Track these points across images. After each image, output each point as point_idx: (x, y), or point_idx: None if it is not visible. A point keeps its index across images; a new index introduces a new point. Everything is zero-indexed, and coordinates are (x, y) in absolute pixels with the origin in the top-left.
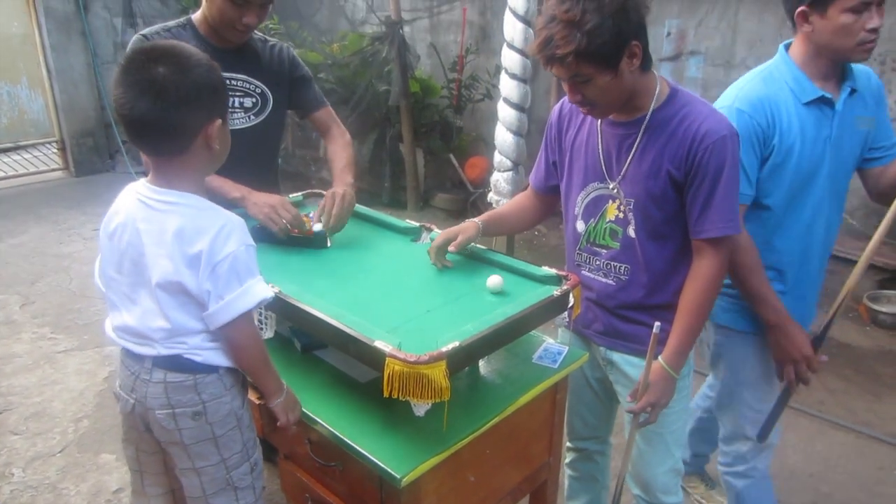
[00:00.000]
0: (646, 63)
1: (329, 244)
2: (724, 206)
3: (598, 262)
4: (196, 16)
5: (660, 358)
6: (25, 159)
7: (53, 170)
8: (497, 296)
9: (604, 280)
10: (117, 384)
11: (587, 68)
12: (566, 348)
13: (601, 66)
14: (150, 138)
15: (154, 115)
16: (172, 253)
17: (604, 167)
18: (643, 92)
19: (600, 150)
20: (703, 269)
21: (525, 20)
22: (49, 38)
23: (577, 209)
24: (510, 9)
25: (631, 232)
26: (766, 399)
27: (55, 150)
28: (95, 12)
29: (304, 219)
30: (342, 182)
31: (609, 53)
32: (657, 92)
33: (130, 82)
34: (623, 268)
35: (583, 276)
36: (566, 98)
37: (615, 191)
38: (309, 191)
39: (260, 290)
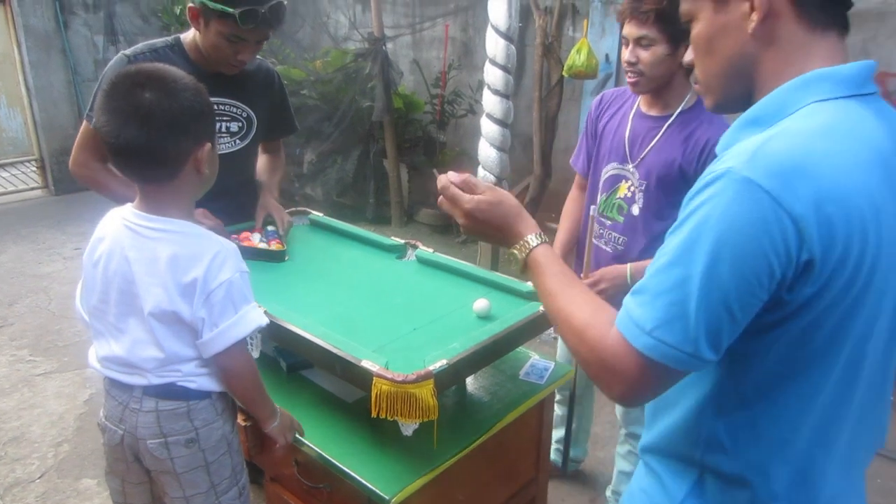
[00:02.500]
0: (690, 69)
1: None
2: None
3: (601, 231)
4: (186, 38)
5: (630, 265)
6: (3, 178)
7: (32, 188)
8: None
9: (604, 248)
10: (102, 415)
11: (655, 32)
12: (553, 364)
13: (667, 35)
14: (139, 165)
15: (142, 143)
16: (166, 282)
17: (627, 150)
18: (678, 91)
19: (626, 136)
20: None
21: (507, 37)
22: (28, 55)
23: (599, 184)
24: (492, 26)
25: (635, 210)
26: None
27: (34, 169)
28: (76, 30)
29: (276, 243)
30: (274, 195)
31: (676, 30)
32: (688, 97)
33: (116, 108)
34: (621, 239)
35: (594, 244)
36: (606, 92)
37: (632, 173)
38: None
39: (255, 316)
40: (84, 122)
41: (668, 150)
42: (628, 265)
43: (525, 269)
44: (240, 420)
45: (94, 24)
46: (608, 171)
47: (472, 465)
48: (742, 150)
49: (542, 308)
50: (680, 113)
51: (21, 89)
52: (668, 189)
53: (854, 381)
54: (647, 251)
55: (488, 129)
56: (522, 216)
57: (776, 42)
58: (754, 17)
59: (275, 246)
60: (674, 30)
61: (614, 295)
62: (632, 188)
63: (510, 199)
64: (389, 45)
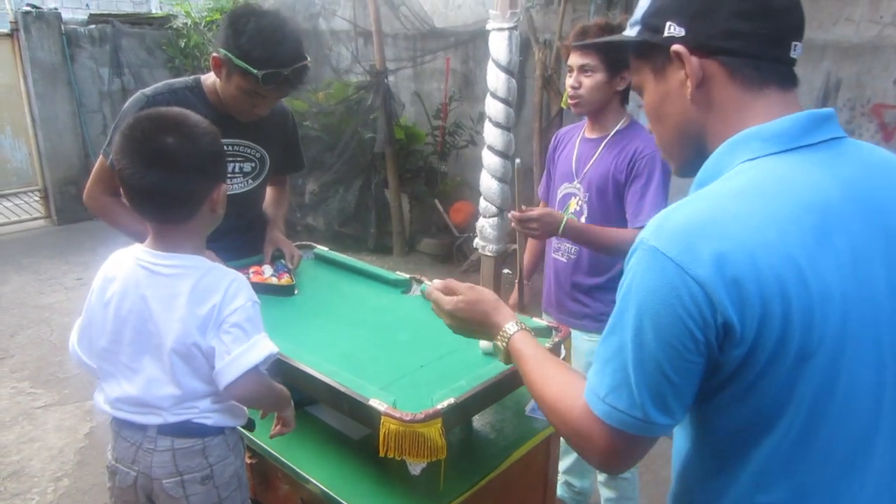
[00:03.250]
0: (625, 96)
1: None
2: (655, 203)
3: (558, 244)
4: (207, 81)
5: (569, 218)
6: (7, 208)
7: (35, 218)
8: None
9: (562, 259)
10: (111, 458)
11: (596, 61)
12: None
13: (605, 64)
14: (159, 207)
15: (164, 186)
16: (184, 315)
17: (574, 169)
18: (614, 115)
19: (574, 158)
20: (631, 233)
21: (508, 70)
22: (35, 87)
23: (556, 203)
24: (493, 60)
25: (582, 221)
26: None
27: (37, 199)
28: (82, 62)
29: (285, 277)
30: (280, 228)
31: (614, 60)
32: (623, 120)
33: (138, 151)
34: (573, 249)
35: (552, 258)
36: (560, 130)
37: (577, 188)
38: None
39: (266, 344)
40: (101, 158)
41: (603, 164)
42: (565, 217)
43: (508, 356)
44: (246, 458)
45: (100, 57)
46: (562, 190)
47: (479, 503)
48: (656, 218)
49: (547, 344)
50: (615, 133)
51: (27, 120)
52: (605, 198)
53: (851, 417)
54: (596, 256)
55: (490, 161)
56: (500, 309)
57: (714, 105)
58: (688, 83)
59: (284, 280)
60: (612, 60)
61: (539, 234)
62: (579, 202)
63: (487, 294)
64: (391, 78)
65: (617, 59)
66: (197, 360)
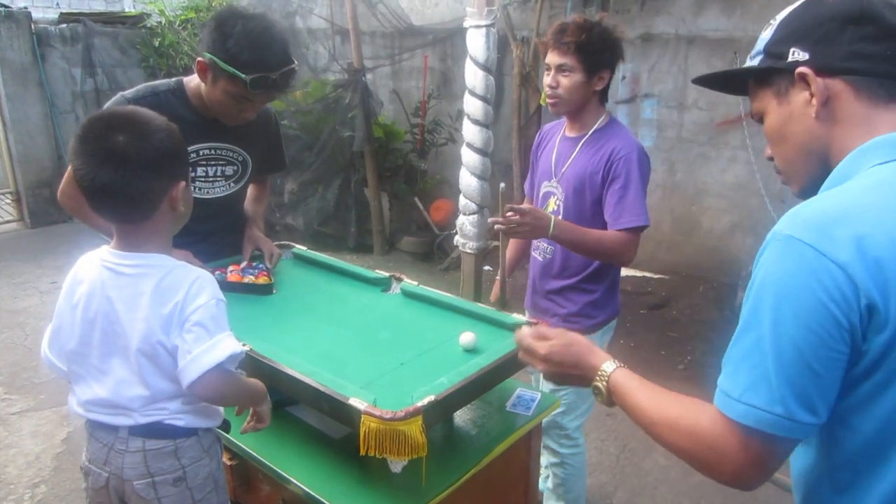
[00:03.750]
0: (604, 95)
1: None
2: (635, 205)
3: (537, 243)
4: (190, 83)
5: (556, 218)
6: None
7: (8, 221)
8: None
9: (539, 258)
10: (85, 459)
11: (574, 61)
12: (539, 395)
13: (583, 64)
14: (114, 207)
15: (117, 185)
16: (148, 315)
17: (553, 168)
18: (593, 114)
19: (553, 156)
20: (613, 235)
21: (486, 68)
22: (5, 88)
23: (537, 202)
24: (471, 57)
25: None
26: None
27: (9, 202)
28: (53, 62)
29: (263, 276)
30: (259, 226)
31: (592, 60)
32: (601, 119)
33: (90, 151)
34: (549, 248)
35: (531, 257)
36: (545, 126)
37: (556, 187)
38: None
39: (229, 343)
40: None
41: (581, 163)
42: (552, 217)
43: (609, 396)
44: (225, 459)
45: (72, 57)
46: (543, 188)
47: (461, 499)
48: (789, 213)
49: None
50: (593, 132)
51: None
52: (581, 198)
53: None
54: (571, 256)
55: (469, 158)
56: (594, 350)
57: (840, 121)
58: (814, 102)
59: (262, 279)
60: (590, 60)
61: (528, 234)
62: (557, 202)
63: (580, 338)
64: (369, 76)
65: (595, 59)
66: (162, 359)
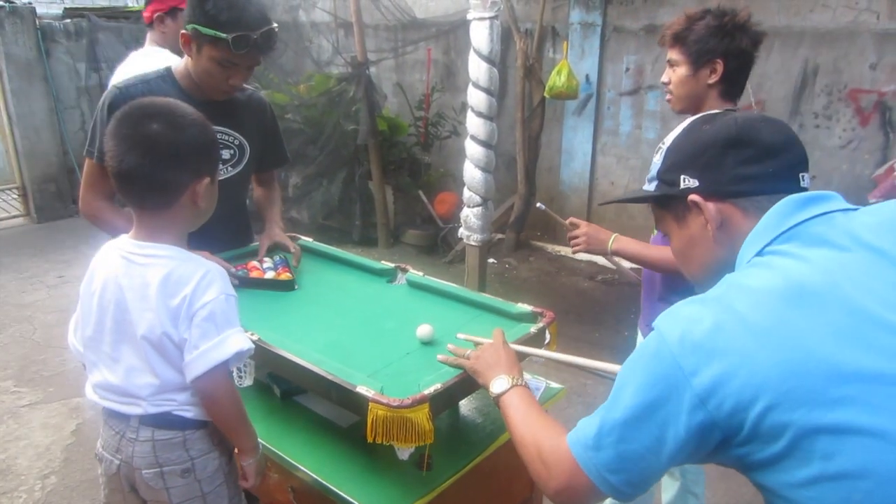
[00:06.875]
0: (727, 88)
1: (297, 287)
2: None
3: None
4: (178, 67)
5: (617, 235)
6: None
7: (14, 216)
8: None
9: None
10: (99, 446)
11: (677, 54)
12: (545, 383)
13: (687, 57)
14: (136, 191)
15: (142, 170)
16: (156, 306)
17: None
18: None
19: None
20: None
21: (489, 60)
22: (10, 84)
23: None
24: (475, 49)
25: None
26: None
27: (16, 197)
28: (58, 57)
29: (284, 271)
30: (279, 225)
31: (694, 52)
32: None
33: (123, 136)
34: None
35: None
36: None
37: None
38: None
39: (238, 340)
40: (86, 161)
41: None
42: (613, 234)
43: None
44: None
45: (77, 52)
46: None
47: (467, 486)
48: (676, 307)
49: (532, 329)
50: None
51: (2, 117)
52: None
53: None
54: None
55: (473, 150)
56: (511, 367)
57: (739, 238)
58: (709, 227)
59: (284, 276)
60: (692, 52)
61: (584, 248)
62: None
63: (506, 354)
64: (373, 69)
65: (697, 49)
66: (169, 350)
